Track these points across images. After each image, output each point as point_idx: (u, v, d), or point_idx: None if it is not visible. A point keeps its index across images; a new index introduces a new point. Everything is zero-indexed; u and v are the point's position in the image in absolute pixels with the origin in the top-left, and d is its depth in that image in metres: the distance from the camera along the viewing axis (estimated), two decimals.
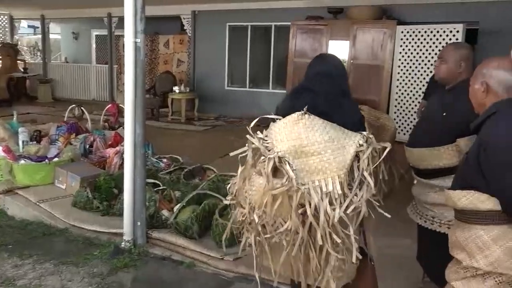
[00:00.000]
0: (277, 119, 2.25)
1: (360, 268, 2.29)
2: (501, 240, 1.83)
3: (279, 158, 2.02)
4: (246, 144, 2.15)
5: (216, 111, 11.23)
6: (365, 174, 2.03)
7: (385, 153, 2.11)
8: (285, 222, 1.99)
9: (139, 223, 3.83)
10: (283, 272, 2.15)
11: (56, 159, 5.31)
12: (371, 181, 2.03)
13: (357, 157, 2.07)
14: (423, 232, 2.80)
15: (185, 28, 11.59)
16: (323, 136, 2.10)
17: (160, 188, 4.66)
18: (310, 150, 2.07)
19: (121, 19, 12.34)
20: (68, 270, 3.53)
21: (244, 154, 2.16)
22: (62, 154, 5.42)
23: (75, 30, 15.38)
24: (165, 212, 4.14)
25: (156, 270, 3.56)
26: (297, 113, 2.15)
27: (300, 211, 1.98)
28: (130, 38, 3.61)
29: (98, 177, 4.75)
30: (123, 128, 3.83)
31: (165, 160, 5.67)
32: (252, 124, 2.16)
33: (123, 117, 3.89)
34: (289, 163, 2.01)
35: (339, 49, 8.63)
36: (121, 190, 4.26)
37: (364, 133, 2.15)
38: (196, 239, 3.83)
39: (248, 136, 2.14)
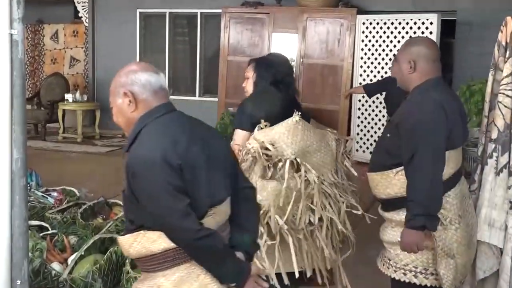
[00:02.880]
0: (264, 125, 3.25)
1: None
2: (185, 283, 2.02)
3: (295, 160, 3.00)
4: (244, 152, 3.08)
5: None
6: (347, 164, 3.18)
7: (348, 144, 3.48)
8: (300, 217, 3.01)
9: (19, 282, 3.68)
10: (287, 268, 3.07)
11: None
12: (353, 171, 3.28)
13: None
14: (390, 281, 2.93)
15: (80, 15, 11.45)
16: (316, 136, 3.13)
17: (49, 232, 4.54)
18: (312, 149, 3.08)
19: None
20: None
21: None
22: None
23: None
24: (56, 266, 4.03)
25: None
26: (293, 117, 3.11)
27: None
28: (3, 28, 3.50)
29: None
30: None
31: (55, 194, 5.56)
32: (258, 128, 3.28)
33: None
34: (305, 164, 3.00)
35: (285, 44, 8.83)
36: None
37: (329, 129, 3.29)
38: None
39: (256, 142, 3.08)
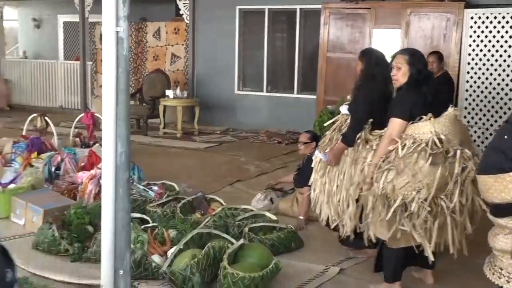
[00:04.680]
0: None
1: None
2: None
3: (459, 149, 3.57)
4: (411, 141, 3.54)
5: (223, 123, 11.27)
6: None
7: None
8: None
9: (121, 272, 3.83)
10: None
11: (12, 185, 5.36)
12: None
13: None
14: None
15: (181, 13, 11.71)
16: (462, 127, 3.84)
17: (150, 225, 4.67)
18: (464, 139, 3.72)
19: (97, 2, 12.48)
20: None
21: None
22: (21, 179, 5.46)
23: (37, 16, 15.60)
24: (156, 258, 4.14)
25: None
26: (452, 111, 3.66)
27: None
28: (110, 26, 3.64)
29: (67, 210, 4.77)
30: (100, 145, 3.86)
31: (156, 188, 5.70)
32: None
33: (100, 130, 3.93)
34: (467, 152, 3.60)
35: (387, 40, 8.64)
36: (97, 228, 4.27)
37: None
38: None
39: (431, 133, 3.55)
